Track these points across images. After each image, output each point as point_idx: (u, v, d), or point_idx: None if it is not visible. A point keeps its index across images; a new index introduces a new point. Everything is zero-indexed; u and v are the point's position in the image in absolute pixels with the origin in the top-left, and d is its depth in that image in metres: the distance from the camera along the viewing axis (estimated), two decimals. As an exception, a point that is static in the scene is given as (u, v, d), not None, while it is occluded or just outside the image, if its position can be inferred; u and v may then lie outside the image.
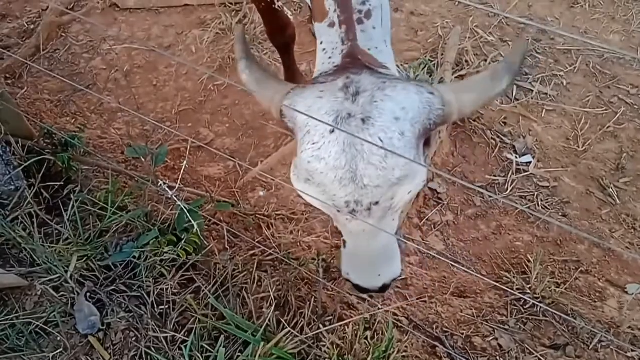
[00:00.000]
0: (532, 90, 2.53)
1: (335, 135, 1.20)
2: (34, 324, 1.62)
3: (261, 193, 2.26)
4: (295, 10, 2.92)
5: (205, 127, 2.53)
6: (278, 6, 2.18)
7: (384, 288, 1.41)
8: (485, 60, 2.62)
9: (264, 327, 1.62)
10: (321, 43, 1.50)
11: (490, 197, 2.22)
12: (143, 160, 1.87)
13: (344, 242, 1.37)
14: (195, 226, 1.69)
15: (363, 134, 1.18)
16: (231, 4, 2.98)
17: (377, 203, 1.22)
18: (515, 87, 2.55)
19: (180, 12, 3.02)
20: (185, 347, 1.57)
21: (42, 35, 2.85)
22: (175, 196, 1.68)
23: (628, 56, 2.60)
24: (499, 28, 2.77)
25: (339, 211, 1.24)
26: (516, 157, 2.37)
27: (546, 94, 2.53)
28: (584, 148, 2.36)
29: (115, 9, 3.04)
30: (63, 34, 2.93)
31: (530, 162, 2.36)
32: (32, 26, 2.96)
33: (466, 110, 1.25)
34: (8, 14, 3.06)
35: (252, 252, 1.95)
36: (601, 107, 2.47)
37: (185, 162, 2.12)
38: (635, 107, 2.44)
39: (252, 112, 2.56)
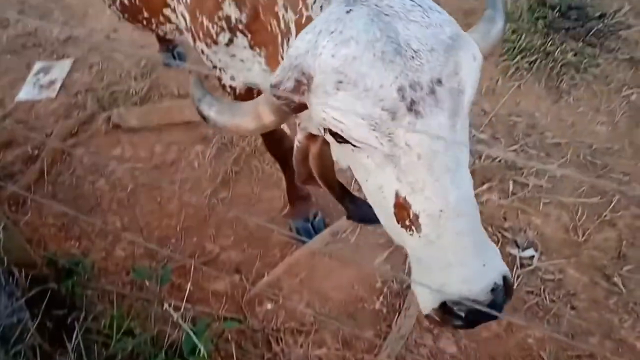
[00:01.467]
0: (528, 184, 2.66)
1: (354, 12, 1.02)
2: None
3: (269, 306, 2.32)
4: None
5: (210, 241, 2.63)
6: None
7: (498, 297, 1.02)
8: (480, 158, 2.78)
9: None
10: None
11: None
12: (147, 282, 1.95)
13: (416, 228, 1.02)
14: (202, 349, 1.74)
15: (385, 5, 1.02)
16: (230, 118, 3.18)
17: (440, 82, 0.98)
18: (511, 181, 2.68)
19: (182, 128, 3.20)
20: None
21: (46, 160, 3.01)
22: (181, 317, 1.74)
23: (616, 145, 2.76)
24: (489, 126, 2.95)
25: (394, 117, 0.96)
26: (519, 252, 2.46)
27: (541, 186, 2.65)
28: (584, 238, 2.45)
29: (118, 129, 3.23)
30: (67, 158, 3.10)
31: (533, 256, 2.44)
32: (36, 152, 3.13)
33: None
34: (12, 141, 3.24)
35: (263, 369, 1.98)
36: (596, 196, 2.59)
37: (189, 284, 2.19)
38: (629, 194, 2.56)
39: (256, 225, 2.68)
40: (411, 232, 1.04)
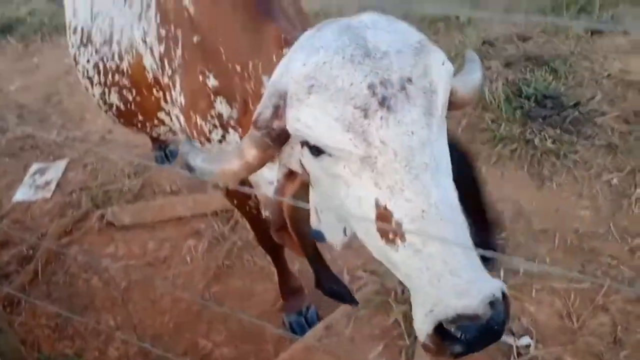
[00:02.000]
0: (519, 271, 2.71)
1: (324, 28, 1.07)
2: None
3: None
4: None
5: (203, 337, 2.62)
6: (265, 215, 2.39)
7: (498, 312, 0.93)
8: (469, 245, 2.84)
9: None
10: None
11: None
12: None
13: (401, 237, 0.98)
14: None
15: (355, 21, 1.07)
16: (223, 212, 3.26)
17: (410, 80, 0.99)
18: (502, 270, 2.72)
19: (174, 224, 3.28)
20: None
21: (41, 260, 3.05)
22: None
23: (601, 229, 2.84)
24: (476, 213, 3.04)
25: (366, 115, 0.96)
26: (515, 341, 2.46)
27: (532, 272, 2.70)
28: (579, 325, 2.47)
29: (112, 227, 3.30)
30: (61, 257, 3.15)
31: (529, 344, 2.44)
32: (31, 252, 3.18)
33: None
34: (9, 242, 3.29)
35: None
36: (586, 281, 2.63)
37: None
38: (619, 278, 2.61)
39: (249, 321, 2.69)
40: (396, 247, 0.99)
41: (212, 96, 1.73)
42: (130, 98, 2.25)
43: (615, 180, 3.07)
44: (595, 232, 2.84)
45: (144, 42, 2.00)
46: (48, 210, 3.50)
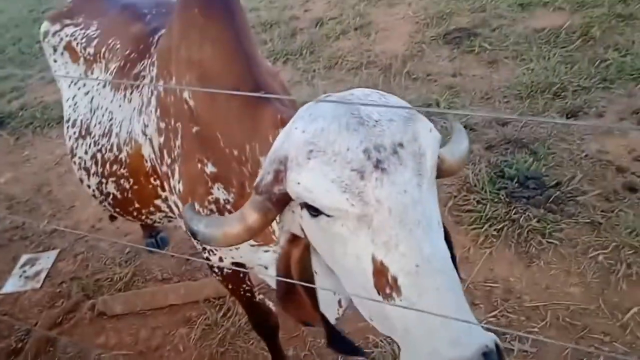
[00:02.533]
0: (513, 350, 2.74)
1: (321, 102, 1.17)
2: None
3: None
4: (274, 300, 3.23)
5: None
6: (259, 299, 2.45)
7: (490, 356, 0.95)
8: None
9: None
10: None
11: None
12: None
13: (397, 292, 1.02)
14: None
15: (348, 94, 1.20)
16: (215, 299, 3.29)
17: (401, 145, 1.09)
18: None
19: (166, 312, 3.28)
20: None
21: (30, 352, 3.02)
22: None
23: (592, 305, 2.91)
24: (468, 293, 3.10)
25: (362, 177, 1.05)
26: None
27: (526, 351, 2.74)
28: (577, 403, 2.48)
29: (103, 317, 3.29)
30: (51, 349, 3.11)
31: None
32: (20, 344, 3.14)
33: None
34: (-4, 334, 3.27)
35: None
36: (581, 358, 2.67)
37: None
38: (612, 353, 2.65)
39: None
40: (393, 301, 1.03)
41: (210, 183, 1.82)
42: (128, 187, 2.33)
43: (601, 257, 3.17)
44: (586, 308, 2.90)
45: (144, 134, 2.11)
46: (37, 301, 3.49)
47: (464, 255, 3.35)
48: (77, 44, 2.67)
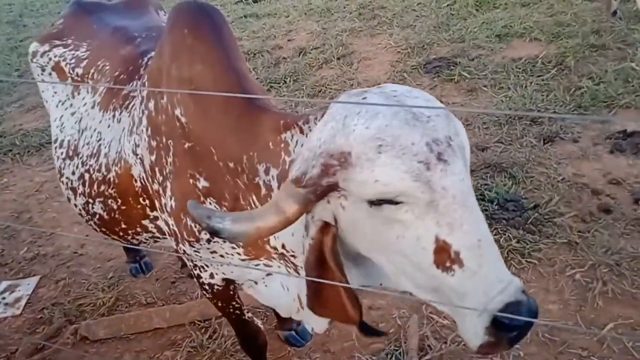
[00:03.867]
0: (495, 365, 2.86)
1: (368, 97, 1.30)
2: None
3: None
4: (262, 318, 3.32)
5: None
6: (248, 317, 2.53)
7: (529, 298, 1.26)
8: (446, 343, 3.00)
9: None
10: None
11: None
12: None
13: (459, 264, 1.22)
14: None
15: (388, 90, 1.33)
16: (200, 322, 3.36)
17: (450, 138, 1.25)
18: (478, 364, 2.88)
19: (150, 336, 3.34)
20: None
21: (12, 379, 3.05)
22: None
23: (570, 322, 3.05)
24: (451, 312, 3.22)
25: (428, 168, 1.19)
26: None
27: (508, 366, 2.86)
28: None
29: (86, 341, 3.34)
30: (33, 374, 3.15)
31: None
32: (1, 370, 3.17)
33: None
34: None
35: None
36: (562, 371, 2.80)
37: None
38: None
39: None
40: (452, 272, 1.23)
41: (202, 198, 1.90)
42: (115, 207, 2.40)
43: (578, 275, 3.33)
44: (565, 324, 3.04)
45: (135, 153, 2.19)
46: (18, 327, 3.52)
47: (446, 276, 3.47)
48: (66, 64, 2.76)
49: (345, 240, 1.42)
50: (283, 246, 1.76)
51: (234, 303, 2.45)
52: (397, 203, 1.23)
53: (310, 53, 7.21)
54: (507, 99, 5.36)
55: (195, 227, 1.97)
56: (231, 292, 2.39)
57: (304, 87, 6.32)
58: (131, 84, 2.40)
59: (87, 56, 2.72)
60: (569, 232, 3.64)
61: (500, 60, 6.13)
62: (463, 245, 1.22)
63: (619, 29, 6.20)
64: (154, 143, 2.06)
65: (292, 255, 1.77)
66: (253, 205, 1.74)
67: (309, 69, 6.81)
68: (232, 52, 1.86)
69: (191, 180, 1.90)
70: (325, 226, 1.37)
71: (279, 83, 6.56)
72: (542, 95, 5.30)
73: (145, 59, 2.41)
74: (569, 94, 5.24)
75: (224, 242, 1.93)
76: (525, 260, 3.47)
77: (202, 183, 1.88)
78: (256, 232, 1.32)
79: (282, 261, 1.90)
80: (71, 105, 2.73)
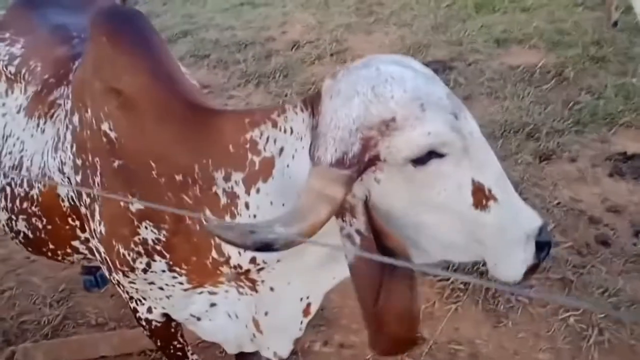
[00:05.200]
0: None
1: (381, 68, 1.29)
2: None
3: None
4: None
5: None
6: (193, 359, 2.27)
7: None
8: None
9: None
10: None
11: None
12: None
13: (493, 199, 1.30)
14: None
15: (389, 57, 1.36)
16: (152, 351, 2.94)
17: (450, 92, 1.32)
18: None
19: (95, 364, 2.93)
20: None
21: None
22: None
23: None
24: (429, 356, 2.82)
25: (457, 117, 1.25)
26: None
27: None
28: None
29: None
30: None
31: None
32: None
33: None
34: None
35: None
36: None
37: None
38: None
39: None
40: (488, 209, 1.29)
41: (136, 221, 1.67)
42: (40, 226, 2.12)
43: (572, 320, 2.93)
44: (556, 380, 2.65)
45: (61, 172, 1.92)
46: (-50, 347, 3.10)
47: (427, 311, 3.08)
48: (0, 60, 2.39)
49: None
50: (252, 260, 1.57)
51: (176, 342, 2.17)
52: (442, 156, 1.25)
53: (303, 47, 6.76)
54: (503, 109, 4.96)
55: (129, 255, 1.72)
56: (172, 330, 2.13)
57: (293, 84, 5.89)
58: (58, 90, 2.07)
59: (21, 54, 2.36)
60: (564, 267, 3.25)
61: (497, 66, 5.72)
62: (492, 181, 1.30)
63: (619, 41, 5.79)
64: (79, 161, 1.82)
65: (261, 269, 1.62)
66: (204, 220, 1.55)
67: (301, 64, 6.38)
68: (160, 56, 1.68)
69: (122, 203, 1.69)
70: (365, 203, 1.32)
71: (268, 77, 6.12)
72: (540, 108, 4.91)
73: (77, 63, 2.04)
74: (567, 108, 4.86)
75: (162, 272, 1.73)
76: (515, 299, 3.06)
77: (136, 205, 1.66)
78: (311, 229, 1.20)
79: (233, 283, 1.74)
80: (3, 104, 2.33)
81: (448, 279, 3.21)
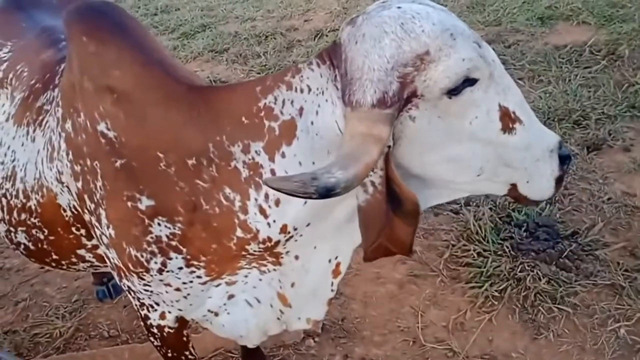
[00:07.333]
0: None
1: (403, 6, 1.34)
2: None
3: None
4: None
5: None
6: None
7: None
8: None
9: None
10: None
11: None
12: None
13: (518, 121, 1.41)
14: None
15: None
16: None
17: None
18: None
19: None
20: None
21: None
22: None
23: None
24: (459, 372, 2.68)
25: (480, 46, 1.33)
26: None
27: None
28: None
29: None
30: None
31: None
32: None
33: None
34: None
35: None
36: None
37: None
38: None
39: None
40: (515, 131, 1.39)
41: (147, 220, 1.66)
42: (42, 237, 2.09)
43: (622, 331, 2.74)
44: (602, 400, 2.47)
45: (60, 181, 1.90)
46: (-38, 362, 3.14)
47: (458, 321, 2.94)
48: None
49: (399, 160, 1.42)
50: (283, 229, 1.58)
51: (187, 353, 2.14)
52: (473, 83, 1.31)
53: (327, 36, 6.64)
54: (547, 94, 4.73)
55: (142, 256, 1.70)
56: (184, 339, 2.12)
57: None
58: (45, 95, 2.04)
59: (8, 58, 2.35)
60: (614, 271, 3.04)
61: (541, 47, 5.46)
62: (515, 104, 1.39)
63: (683, 11, 5.44)
64: (77, 168, 1.79)
65: (289, 238, 1.62)
66: (224, 203, 1.57)
67: (323, 55, 6.23)
68: (146, 45, 1.67)
69: (129, 203, 1.67)
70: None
71: (287, 70, 6.01)
72: (589, 92, 4.65)
73: (62, 66, 2.00)
74: (620, 90, 4.59)
75: (179, 269, 1.73)
76: (557, 307, 2.89)
77: (146, 202, 1.65)
78: (365, 170, 1.25)
79: (254, 264, 1.74)
80: None
81: (481, 286, 3.05)
